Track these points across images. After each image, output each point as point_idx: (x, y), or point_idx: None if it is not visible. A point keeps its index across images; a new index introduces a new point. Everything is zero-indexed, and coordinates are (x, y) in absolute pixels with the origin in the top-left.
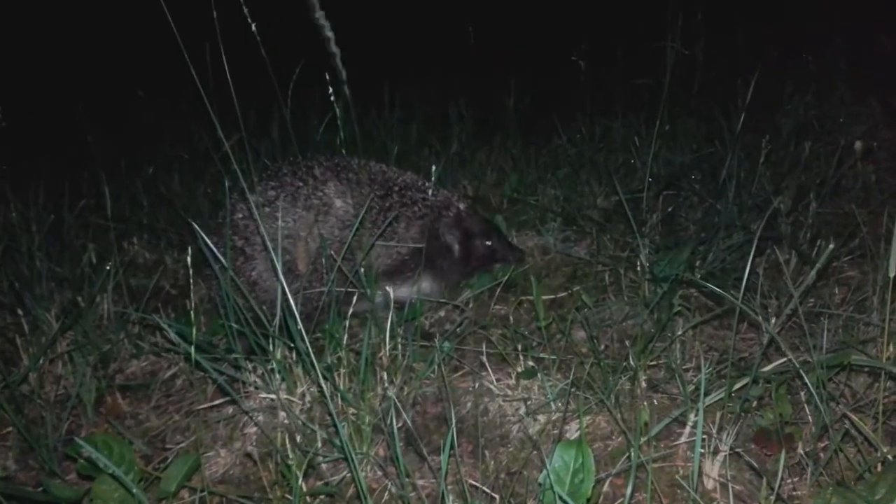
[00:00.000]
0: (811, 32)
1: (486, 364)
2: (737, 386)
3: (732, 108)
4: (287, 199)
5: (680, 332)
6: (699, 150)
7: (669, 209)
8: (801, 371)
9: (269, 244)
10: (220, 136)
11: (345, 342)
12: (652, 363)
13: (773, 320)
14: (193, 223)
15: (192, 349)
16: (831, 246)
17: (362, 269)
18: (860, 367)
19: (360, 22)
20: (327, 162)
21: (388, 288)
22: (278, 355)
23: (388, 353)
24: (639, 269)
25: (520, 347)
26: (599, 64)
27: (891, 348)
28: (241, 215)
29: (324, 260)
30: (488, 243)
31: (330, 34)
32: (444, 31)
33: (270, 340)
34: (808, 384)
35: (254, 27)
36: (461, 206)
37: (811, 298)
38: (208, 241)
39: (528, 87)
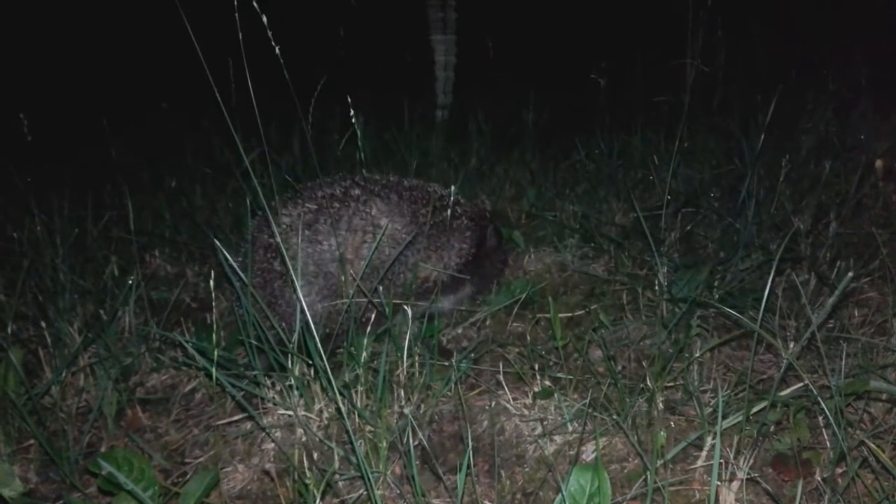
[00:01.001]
0: (833, 45)
1: (503, 382)
2: (754, 410)
3: (752, 124)
4: (328, 223)
5: (698, 354)
6: (719, 167)
7: (688, 227)
8: (819, 398)
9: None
10: (241, 152)
11: (363, 359)
12: (669, 384)
13: (792, 345)
14: (215, 240)
15: (213, 367)
16: (850, 274)
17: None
18: (879, 393)
19: (380, 34)
20: (364, 182)
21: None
22: (297, 372)
23: (405, 371)
24: (657, 288)
25: (536, 367)
26: (619, 81)
27: None
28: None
29: (377, 281)
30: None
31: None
32: (463, 45)
33: (289, 357)
34: (826, 410)
35: (277, 50)
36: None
37: (831, 320)
38: (229, 258)
39: (547, 102)
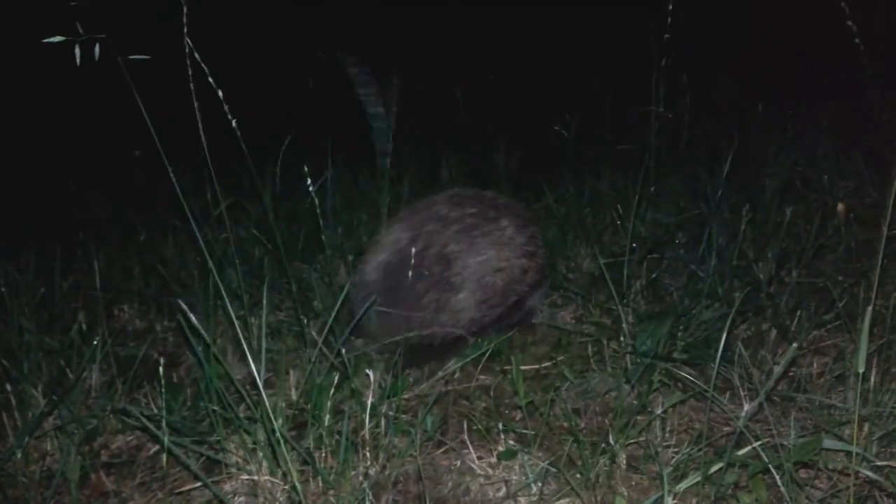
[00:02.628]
0: (798, 84)
1: (467, 441)
2: (712, 469)
3: (717, 167)
4: (479, 235)
5: (660, 411)
6: (685, 211)
7: (654, 275)
8: (770, 465)
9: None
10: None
11: (326, 421)
12: (632, 441)
13: (746, 406)
14: (179, 301)
15: (165, 436)
16: (794, 345)
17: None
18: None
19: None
20: (483, 198)
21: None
22: (260, 436)
23: (368, 432)
24: (622, 339)
25: (500, 426)
26: (588, 125)
27: (866, 428)
28: (449, 249)
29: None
30: None
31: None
32: (433, 88)
33: (254, 421)
34: (775, 474)
35: (234, 123)
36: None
37: (792, 369)
38: (193, 320)
39: (518, 145)
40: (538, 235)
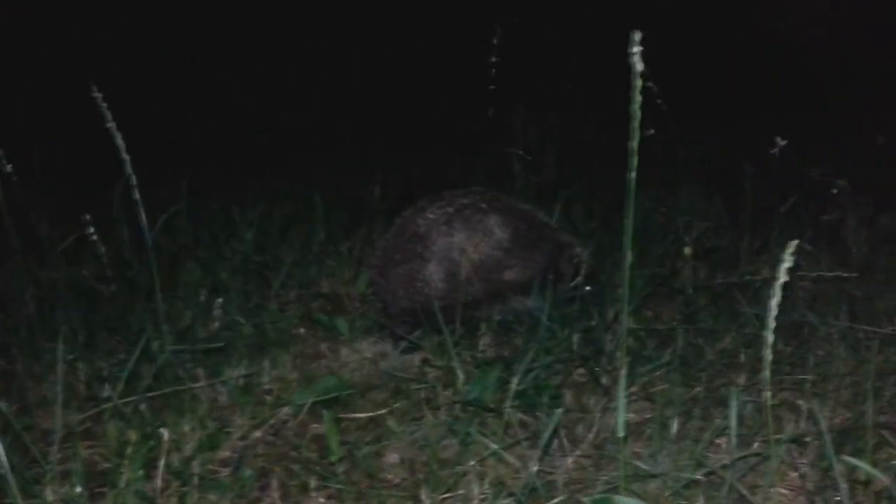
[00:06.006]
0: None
1: (276, 498)
2: None
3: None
4: (461, 220)
5: (472, 462)
6: None
7: (499, 317)
8: None
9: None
10: None
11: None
12: (447, 495)
13: (534, 462)
14: None
15: None
16: (557, 411)
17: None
18: None
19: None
20: (488, 197)
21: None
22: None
23: (176, 490)
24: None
25: (311, 482)
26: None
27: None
28: (422, 228)
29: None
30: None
31: None
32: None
33: None
34: None
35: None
36: (577, 249)
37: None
38: None
39: (394, 175)
40: (543, 246)
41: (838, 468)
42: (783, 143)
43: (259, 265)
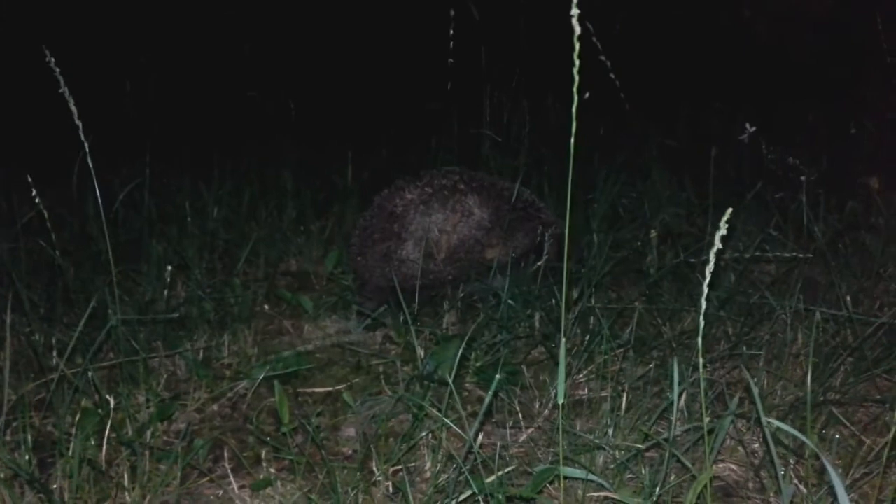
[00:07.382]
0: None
1: (229, 469)
2: (463, 496)
3: (547, 190)
4: (439, 201)
5: (424, 434)
6: None
7: (463, 295)
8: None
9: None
10: None
11: (76, 448)
12: (398, 467)
13: (472, 433)
14: None
15: None
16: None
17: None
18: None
19: (191, 85)
20: (469, 178)
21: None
22: None
23: (126, 459)
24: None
25: (263, 453)
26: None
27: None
28: (399, 207)
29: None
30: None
31: None
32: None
33: None
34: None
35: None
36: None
37: (578, 392)
38: None
39: (366, 156)
40: (526, 226)
41: (769, 435)
42: (752, 129)
43: (226, 242)
